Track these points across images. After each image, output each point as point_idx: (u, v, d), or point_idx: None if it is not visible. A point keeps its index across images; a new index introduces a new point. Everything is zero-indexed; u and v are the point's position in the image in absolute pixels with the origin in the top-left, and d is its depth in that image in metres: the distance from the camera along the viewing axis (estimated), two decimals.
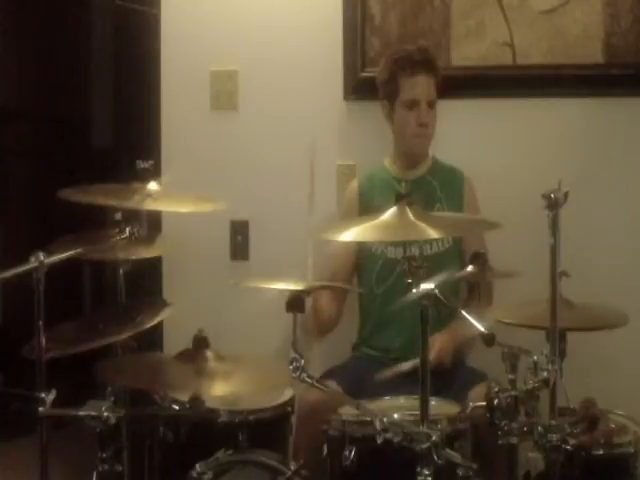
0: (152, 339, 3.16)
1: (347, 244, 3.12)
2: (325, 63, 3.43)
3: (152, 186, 2.66)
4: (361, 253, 3.19)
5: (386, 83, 3.16)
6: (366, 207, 3.12)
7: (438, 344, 2.91)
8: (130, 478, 2.49)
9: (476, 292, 3.07)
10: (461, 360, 3.11)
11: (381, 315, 3.13)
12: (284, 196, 3.47)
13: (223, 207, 2.86)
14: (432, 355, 2.87)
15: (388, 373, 2.75)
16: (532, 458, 2.34)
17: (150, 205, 2.62)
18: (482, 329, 2.11)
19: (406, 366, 2.66)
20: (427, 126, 3.13)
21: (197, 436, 2.57)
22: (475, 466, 2.26)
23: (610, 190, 3.30)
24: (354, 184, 3.29)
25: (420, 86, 3.11)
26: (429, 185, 3.18)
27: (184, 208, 2.93)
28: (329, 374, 2.96)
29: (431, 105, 3.12)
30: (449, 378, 2.88)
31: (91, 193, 2.68)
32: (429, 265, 2.28)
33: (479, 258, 2.34)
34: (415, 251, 2.96)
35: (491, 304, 3.08)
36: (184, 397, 2.42)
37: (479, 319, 2.15)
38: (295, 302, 2.33)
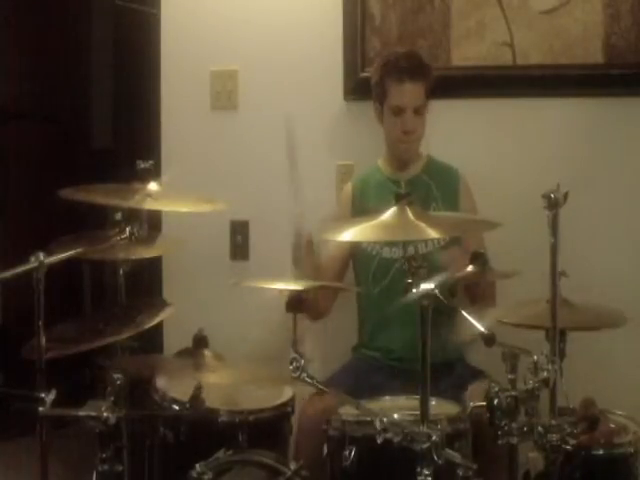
0: (152, 339, 3.16)
1: (339, 244, 3.12)
2: (325, 63, 3.43)
3: (152, 186, 2.66)
4: (356, 253, 3.19)
5: (376, 86, 3.15)
6: (360, 210, 3.12)
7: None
8: (130, 478, 2.49)
9: (475, 292, 3.08)
10: (460, 357, 3.11)
11: (380, 316, 3.12)
12: (284, 196, 3.45)
13: (223, 207, 2.86)
14: None
15: None
16: (532, 458, 2.34)
17: (150, 205, 2.62)
18: (482, 329, 2.11)
19: None
20: (412, 133, 3.11)
21: (197, 436, 2.57)
22: (475, 466, 2.26)
23: (610, 190, 3.30)
24: (347, 188, 3.28)
25: (406, 94, 3.08)
26: (424, 184, 3.17)
27: (184, 208, 2.93)
28: (330, 381, 2.94)
29: (418, 111, 3.09)
30: (447, 375, 2.88)
31: (91, 193, 2.68)
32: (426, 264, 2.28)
33: (479, 258, 2.34)
34: (411, 250, 2.97)
35: (494, 305, 3.07)
36: (184, 396, 2.43)
37: (479, 319, 2.14)
38: (295, 302, 2.34)
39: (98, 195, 2.64)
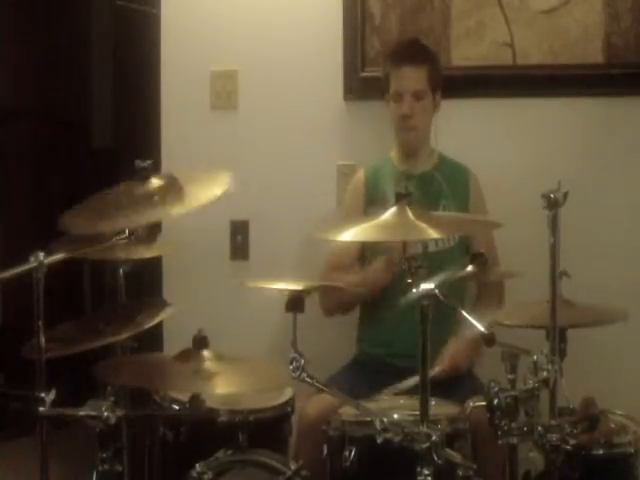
0: (152, 339, 3.16)
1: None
2: (325, 63, 3.43)
3: None
4: (366, 252, 3.18)
5: (383, 79, 3.17)
6: (372, 198, 3.12)
7: (452, 350, 2.91)
8: (130, 478, 2.49)
9: (482, 293, 3.08)
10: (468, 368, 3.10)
11: (383, 314, 3.13)
12: (284, 196, 3.47)
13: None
14: (446, 363, 2.88)
15: (393, 390, 2.71)
16: (532, 458, 2.34)
17: None
18: (482, 329, 2.11)
19: (411, 382, 2.60)
20: (409, 117, 3.10)
21: (197, 436, 2.57)
22: (475, 466, 2.26)
23: (610, 190, 3.30)
24: (360, 174, 3.26)
25: (404, 78, 3.10)
26: (435, 181, 3.16)
27: None
28: (330, 381, 2.93)
29: (418, 95, 3.09)
30: (453, 386, 2.86)
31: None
32: (432, 263, 2.28)
33: (479, 258, 2.34)
34: (418, 248, 2.96)
35: (502, 305, 3.06)
36: (184, 397, 2.43)
37: (479, 319, 2.14)
38: (295, 302, 2.33)
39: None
